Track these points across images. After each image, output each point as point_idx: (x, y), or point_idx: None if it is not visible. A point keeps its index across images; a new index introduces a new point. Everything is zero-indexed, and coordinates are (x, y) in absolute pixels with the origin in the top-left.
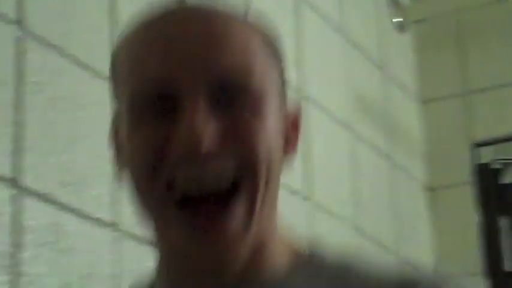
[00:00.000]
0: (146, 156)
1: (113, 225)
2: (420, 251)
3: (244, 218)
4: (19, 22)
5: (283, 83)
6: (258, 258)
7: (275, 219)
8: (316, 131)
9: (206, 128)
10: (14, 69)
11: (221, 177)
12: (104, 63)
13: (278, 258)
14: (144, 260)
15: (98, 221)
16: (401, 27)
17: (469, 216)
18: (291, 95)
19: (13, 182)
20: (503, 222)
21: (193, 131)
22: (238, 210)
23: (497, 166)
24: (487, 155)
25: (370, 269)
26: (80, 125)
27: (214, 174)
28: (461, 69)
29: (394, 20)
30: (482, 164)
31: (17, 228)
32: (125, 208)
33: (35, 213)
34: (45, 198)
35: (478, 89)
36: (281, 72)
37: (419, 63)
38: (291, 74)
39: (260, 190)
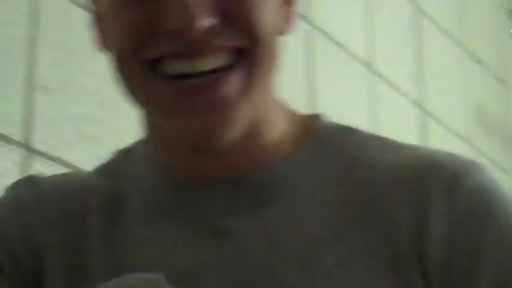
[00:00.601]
0: (131, 31)
1: None
2: None
3: (241, 87)
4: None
5: None
6: (258, 136)
7: (273, 96)
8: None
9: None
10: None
11: (217, 53)
12: None
13: (280, 133)
14: None
15: None
16: None
17: None
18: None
19: None
20: None
21: (185, 2)
22: (235, 79)
23: None
24: None
25: (384, 146)
26: None
27: (210, 49)
28: None
29: None
30: None
31: None
32: None
33: None
34: None
35: None
36: None
37: None
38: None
39: (260, 65)
